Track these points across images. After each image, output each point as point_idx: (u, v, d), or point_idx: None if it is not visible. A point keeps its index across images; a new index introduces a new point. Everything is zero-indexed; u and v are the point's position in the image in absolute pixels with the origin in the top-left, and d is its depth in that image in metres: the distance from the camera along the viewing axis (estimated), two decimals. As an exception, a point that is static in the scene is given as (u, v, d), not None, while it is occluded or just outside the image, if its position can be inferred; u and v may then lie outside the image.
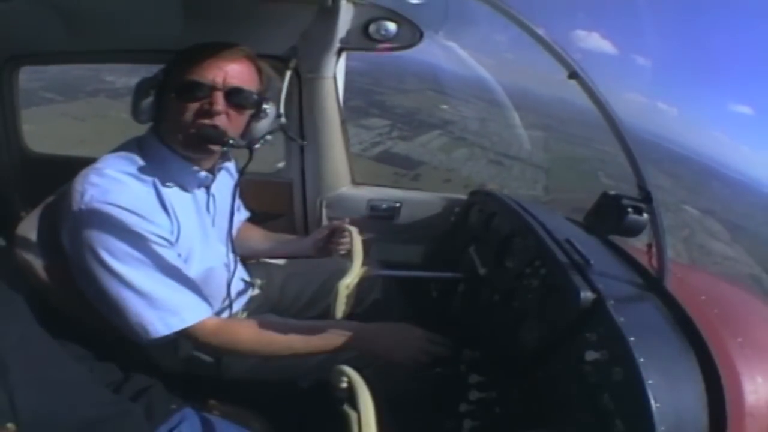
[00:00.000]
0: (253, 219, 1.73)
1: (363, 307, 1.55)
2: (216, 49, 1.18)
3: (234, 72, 1.18)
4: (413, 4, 1.59)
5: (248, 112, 1.25)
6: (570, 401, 1.01)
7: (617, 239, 1.38)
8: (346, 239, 1.57)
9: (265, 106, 1.28)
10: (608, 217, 1.14)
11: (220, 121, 1.18)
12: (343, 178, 2.04)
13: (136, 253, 1.11)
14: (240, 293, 1.49)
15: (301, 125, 1.88)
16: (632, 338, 0.94)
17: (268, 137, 1.33)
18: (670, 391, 0.88)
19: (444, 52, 1.76)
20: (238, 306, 1.48)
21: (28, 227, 1.24)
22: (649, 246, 1.16)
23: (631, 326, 0.97)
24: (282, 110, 1.40)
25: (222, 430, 1.08)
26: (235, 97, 1.18)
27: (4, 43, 1.77)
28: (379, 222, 2.06)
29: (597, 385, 0.95)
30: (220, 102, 1.16)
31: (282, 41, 1.66)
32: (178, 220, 1.21)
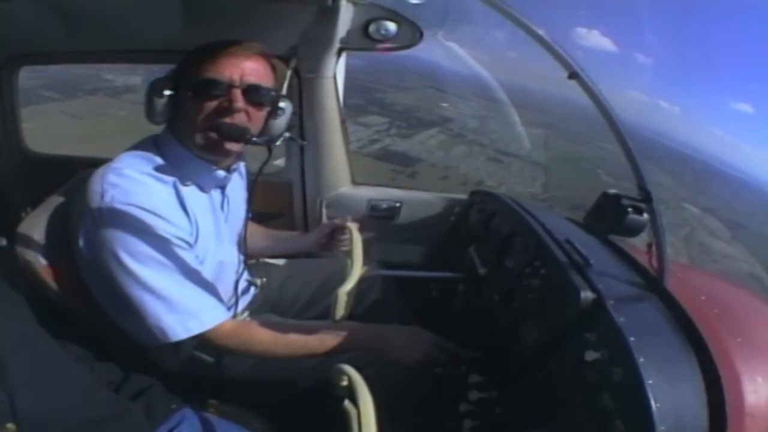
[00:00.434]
0: (253, 219, 1.73)
1: (362, 307, 1.55)
2: (230, 47, 1.16)
3: (250, 69, 1.16)
4: (413, 4, 1.59)
5: (266, 110, 1.23)
6: (570, 401, 1.01)
7: (617, 239, 1.38)
8: (347, 236, 1.57)
9: (281, 103, 1.26)
10: (608, 217, 1.14)
11: (240, 118, 1.16)
12: (343, 178, 2.04)
13: (157, 256, 1.09)
14: (243, 293, 1.49)
15: (301, 125, 1.87)
16: (632, 338, 0.94)
17: (287, 134, 1.31)
18: (670, 391, 0.89)
19: (444, 52, 1.76)
20: (241, 306, 1.47)
21: (29, 227, 1.24)
22: (649, 246, 1.16)
23: (631, 326, 0.97)
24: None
25: (222, 430, 1.08)
26: (253, 94, 1.17)
27: (4, 43, 1.77)
28: (379, 222, 2.06)
29: (597, 385, 0.95)
30: (239, 99, 1.14)
31: (282, 41, 1.66)
32: (197, 221, 1.20)
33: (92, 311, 1.17)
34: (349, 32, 1.68)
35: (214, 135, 1.16)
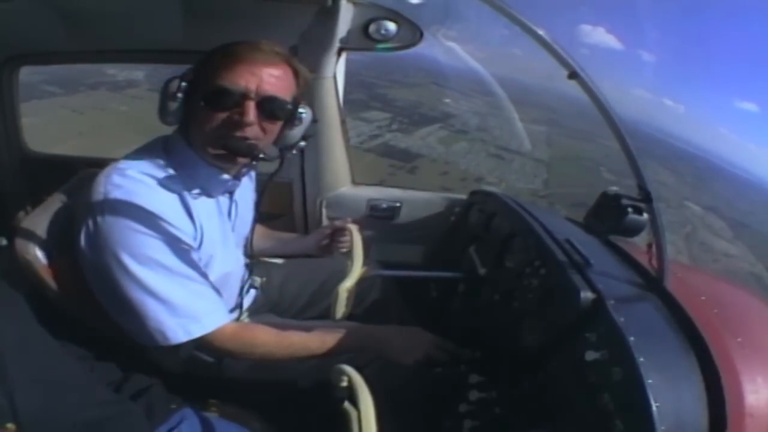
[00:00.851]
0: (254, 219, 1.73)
1: (362, 307, 1.56)
2: (250, 51, 1.09)
3: (269, 78, 1.10)
4: (413, 4, 1.59)
5: (282, 122, 1.17)
6: (570, 401, 1.01)
7: (617, 239, 1.38)
8: (347, 238, 1.57)
9: (301, 111, 1.19)
10: (608, 217, 1.14)
11: (251, 132, 1.11)
12: (342, 178, 2.04)
13: (159, 258, 1.08)
14: (246, 295, 1.49)
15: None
16: (632, 338, 0.94)
17: (302, 144, 1.25)
18: (670, 391, 0.89)
19: (445, 51, 1.76)
20: (243, 307, 1.47)
21: (29, 227, 1.24)
22: (649, 246, 1.16)
23: (631, 326, 0.97)
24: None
25: (222, 430, 1.08)
26: (268, 106, 1.10)
27: (4, 43, 1.77)
28: (379, 222, 2.06)
29: (597, 385, 0.95)
30: (251, 112, 1.08)
31: (282, 41, 1.65)
32: (202, 225, 1.19)
33: (92, 311, 1.16)
34: (349, 32, 1.67)
35: (223, 150, 1.12)
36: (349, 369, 0.90)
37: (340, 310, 1.21)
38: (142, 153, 1.18)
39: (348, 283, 1.20)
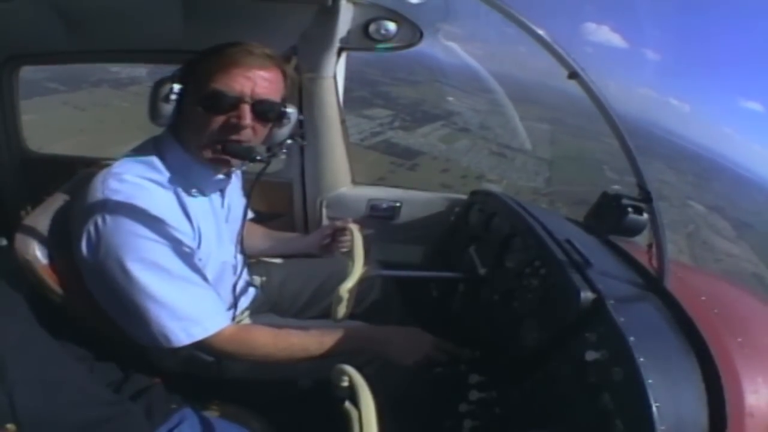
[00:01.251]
0: (254, 219, 1.73)
1: (362, 307, 1.55)
2: (244, 56, 1.12)
3: (262, 82, 1.13)
4: (413, 4, 1.58)
5: (271, 123, 1.21)
6: (570, 401, 1.01)
7: (618, 239, 1.38)
8: (348, 238, 1.57)
9: (288, 110, 1.23)
10: (608, 216, 1.14)
11: (246, 135, 1.14)
12: (343, 178, 2.04)
13: (161, 262, 1.09)
14: (243, 293, 1.49)
15: (301, 125, 1.87)
16: (632, 338, 0.94)
17: (289, 142, 1.29)
18: (670, 391, 0.88)
19: (445, 50, 1.75)
20: (241, 306, 1.48)
21: (29, 227, 1.24)
22: (650, 246, 1.15)
23: (631, 326, 0.97)
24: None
25: (222, 430, 1.08)
26: (261, 109, 1.14)
27: (4, 43, 1.77)
28: (379, 222, 2.06)
29: (597, 385, 0.95)
30: (247, 116, 1.11)
31: (282, 41, 1.65)
32: (199, 226, 1.20)
33: (92, 311, 1.17)
34: (349, 32, 1.67)
35: (220, 153, 1.15)
36: (349, 369, 0.90)
37: (341, 311, 1.21)
38: (135, 156, 1.19)
39: (349, 284, 1.20)
